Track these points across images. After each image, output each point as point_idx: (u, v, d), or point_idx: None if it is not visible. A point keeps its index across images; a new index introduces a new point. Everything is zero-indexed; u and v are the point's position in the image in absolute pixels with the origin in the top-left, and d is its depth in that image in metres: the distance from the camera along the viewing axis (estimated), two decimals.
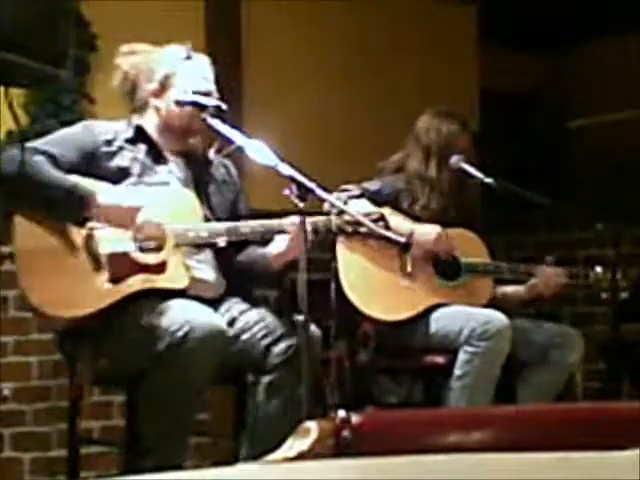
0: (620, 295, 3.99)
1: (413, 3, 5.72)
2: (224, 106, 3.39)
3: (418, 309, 3.93)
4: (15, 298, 4.52)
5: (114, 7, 4.72)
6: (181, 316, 3.04)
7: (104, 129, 3.37)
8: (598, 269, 4.10)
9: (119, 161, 3.32)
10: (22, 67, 2.94)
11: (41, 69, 2.98)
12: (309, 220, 3.19)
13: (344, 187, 3.99)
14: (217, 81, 3.46)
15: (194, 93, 3.36)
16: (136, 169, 3.33)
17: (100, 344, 3.22)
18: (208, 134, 3.42)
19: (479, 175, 4.08)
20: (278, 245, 3.34)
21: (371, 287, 3.93)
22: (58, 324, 3.25)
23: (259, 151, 3.07)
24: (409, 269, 3.97)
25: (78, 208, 3.16)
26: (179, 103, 3.36)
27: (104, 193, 3.18)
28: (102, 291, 3.16)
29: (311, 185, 2.99)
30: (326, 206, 3.38)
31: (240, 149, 3.18)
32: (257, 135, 3.17)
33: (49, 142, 3.27)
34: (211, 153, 3.58)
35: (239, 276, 3.45)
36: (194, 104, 3.34)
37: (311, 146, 5.15)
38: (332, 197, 3.30)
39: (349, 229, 3.31)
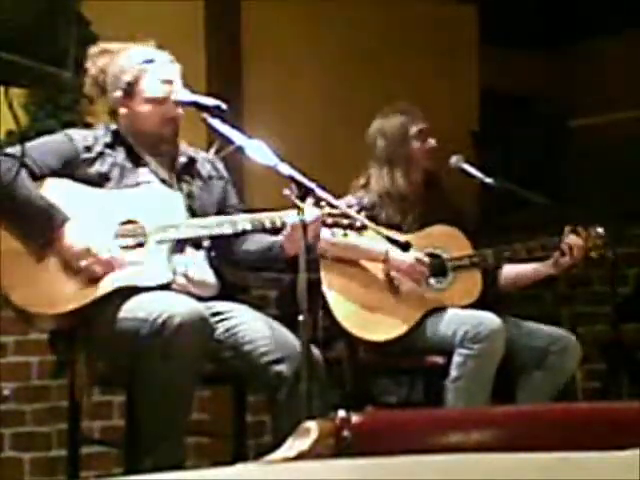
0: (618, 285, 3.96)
1: (413, 3, 5.72)
2: (224, 106, 3.39)
3: (412, 321, 3.91)
4: None
5: (114, 7, 4.72)
6: (159, 305, 3.08)
7: (83, 136, 3.40)
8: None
9: (99, 167, 3.35)
10: (22, 67, 2.93)
11: (41, 69, 2.98)
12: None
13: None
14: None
15: (148, 101, 3.36)
16: (115, 173, 3.35)
17: (88, 343, 3.26)
18: (176, 134, 3.42)
19: (479, 175, 4.07)
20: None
21: (362, 312, 3.88)
22: (42, 324, 3.31)
23: (259, 151, 3.08)
24: (396, 284, 3.93)
25: (43, 230, 3.20)
26: (179, 103, 3.37)
27: (75, 224, 3.21)
28: (83, 289, 3.20)
29: (311, 185, 3.00)
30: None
31: (240, 149, 3.18)
32: (257, 135, 3.18)
33: (29, 150, 3.27)
34: (211, 153, 3.58)
35: (246, 267, 3.50)
36: (194, 104, 3.34)
37: (311, 146, 5.14)
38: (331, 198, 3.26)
39: (329, 220, 3.23)
